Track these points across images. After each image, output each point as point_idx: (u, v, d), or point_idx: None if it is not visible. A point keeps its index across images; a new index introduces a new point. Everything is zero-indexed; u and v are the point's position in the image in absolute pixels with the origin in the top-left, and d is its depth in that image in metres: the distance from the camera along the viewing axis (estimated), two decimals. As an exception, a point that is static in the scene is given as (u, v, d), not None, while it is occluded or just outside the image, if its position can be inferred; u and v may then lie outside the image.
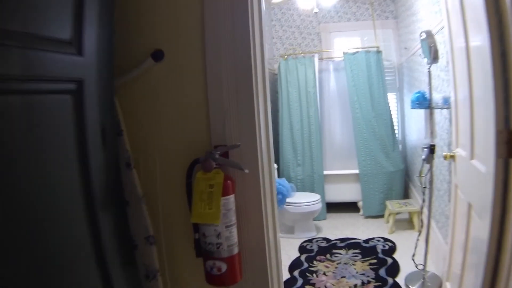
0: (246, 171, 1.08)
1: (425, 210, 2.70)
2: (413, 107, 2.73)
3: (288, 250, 3.43)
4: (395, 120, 4.56)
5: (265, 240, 1.19)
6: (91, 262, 0.98)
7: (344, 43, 4.76)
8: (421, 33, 2.48)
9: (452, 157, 2.01)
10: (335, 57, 4.68)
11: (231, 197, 1.12)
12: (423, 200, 2.63)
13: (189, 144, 1.25)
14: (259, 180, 1.16)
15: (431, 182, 2.58)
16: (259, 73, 1.18)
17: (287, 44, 4.96)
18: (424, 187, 2.62)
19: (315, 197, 3.86)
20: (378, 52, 4.29)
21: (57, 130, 0.88)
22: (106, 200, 1.04)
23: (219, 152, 1.12)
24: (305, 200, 3.76)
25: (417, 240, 2.66)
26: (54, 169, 0.87)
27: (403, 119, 4.62)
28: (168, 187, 1.29)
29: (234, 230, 1.13)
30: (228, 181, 1.10)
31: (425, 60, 2.53)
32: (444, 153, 2.09)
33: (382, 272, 2.86)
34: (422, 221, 2.88)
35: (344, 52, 4.39)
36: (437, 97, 2.46)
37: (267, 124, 1.24)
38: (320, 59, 4.63)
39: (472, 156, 1.63)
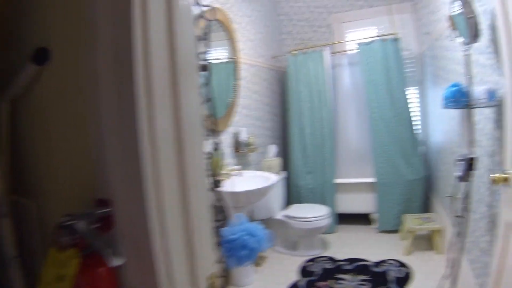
0: (115, 262, 0.66)
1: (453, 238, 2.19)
2: (447, 106, 2.07)
3: (287, 271, 3.01)
4: (416, 119, 4.00)
5: None
6: None
7: (358, 34, 4.22)
8: (453, 2, 1.93)
9: (506, 180, 1.42)
10: (349, 50, 4.16)
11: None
12: (457, 233, 2.10)
13: (81, 187, 0.85)
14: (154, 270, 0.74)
15: (467, 209, 2.04)
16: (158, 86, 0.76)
17: (298, 39, 4.49)
18: (458, 216, 2.08)
19: (324, 210, 3.42)
20: (396, 40, 3.74)
21: None
22: None
23: (96, 213, 0.71)
24: (311, 215, 3.32)
25: (443, 279, 2.17)
26: None
27: (425, 118, 4.03)
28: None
29: None
30: (98, 271, 0.68)
31: (459, 41, 1.97)
32: (493, 175, 1.47)
33: (392, 309, 2.40)
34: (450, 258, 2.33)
35: (358, 43, 3.87)
36: (478, 90, 1.87)
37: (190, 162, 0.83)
38: (333, 53, 4.13)
39: None
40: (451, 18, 2.01)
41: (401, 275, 2.81)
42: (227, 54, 2.86)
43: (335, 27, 4.36)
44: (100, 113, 0.87)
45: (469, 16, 1.81)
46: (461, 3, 1.82)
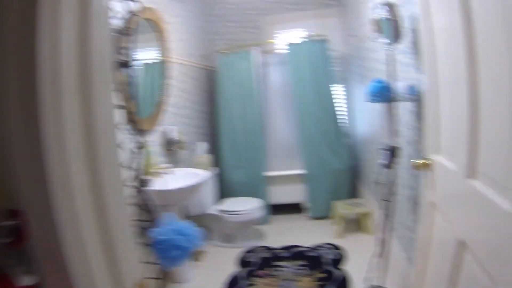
0: (26, 282, 0.60)
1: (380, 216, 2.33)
2: (370, 100, 2.17)
3: (227, 264, 2.98)
4: (343, 113, 4.23)
5: None
6: None
7: (288, 35, 4.33)
8: (377, 6, 2.06)
9: (426, 165, 1.53)
10: (279, 50, 4.25)
11: None
12: (385, 215, 2.23)
13: None
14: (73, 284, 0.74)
15: (393, 193, 2.18)
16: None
17: (229, 40, 4.47)
18: (385, 200, 2.22)
19: (256, 203, 3.46)
20: (324, 41, 3.92)
21: None
22: None
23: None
24: (244, 208, 3.34)
25: (373, 253, 2.30)
26: None
27: (352, 112, 4.27)
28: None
29: None
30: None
31: (382, 42, 2.11)
32: (414, 161, 1.58)
33: (331, 289, 2.49)
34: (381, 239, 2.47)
35: (288, 44, 3.98)
36: (400, 86, 2.01)
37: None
38: (264, 53, 4.19)
39: (472, 175, 1.10)
40: (376, 22, 2.14)
41: (336, 256, 2.93)
42: (157, 53, 2.77)
43: (266, 28, 4.42)
44: (4, 115, 0.80)
45: (392, 19, 1.95)
46: (386, 8, 1.96)
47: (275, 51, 4.28)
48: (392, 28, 1.97)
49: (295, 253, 3.06)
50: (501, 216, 0.90)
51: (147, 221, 2.18)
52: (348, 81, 4.24)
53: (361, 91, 3.18)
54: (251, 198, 3.65)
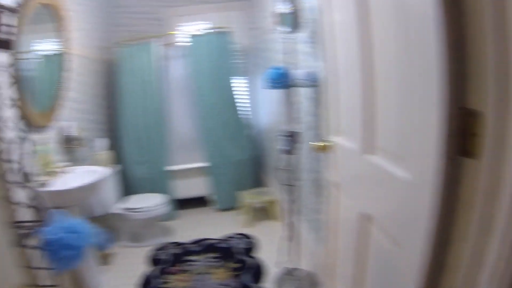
0: None
1: (287, 204, 2.42)
2: (270, 87, 2.21)
3: (138, 264, 2.82)
4: (247, 104, 4.29)
5: None
6: None
7: (192, 27, 4.19)
8: (279, 0, 2.12)
9: (327, 147, 1.60)
10: (182, 42, 4.10)
11: None
12: (291, 200, 2.31)
13: None
14: None
15: (296, 178, 2.26)
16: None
17: (132, 32, 4.14)
18: (289, 185, 2.29)
19: (160, 199, 3.34)
20: (227, 33, 3.91)
21: None
22: None
23: None
24: (148, 204, 3.21)
25: (283, 240, 2.38)
26: None
27: (255, 104, 4.35)
28: None
29: None
30: None
31: (284, 32, 2.18)
32: (312, 143, 1.62)
33: (247, 278, 2.51)
34: (287, 217, 2.57)
35: (191, 35, 3.89)
36: (300, 73, 2.09)
37: None
38: (166, 45, 4.03)
39: (371, 150, 1.18)
40: (278, 14, 2.21)
41: (248, 245, 2.98)
42: (57, 44, 2.48)
43: (169, 20, 4.23)
44: None
45: (294, 11, 2.04)
46: (288, 0, 2.04)
47: (177, 43, 4.14)
48: (293, 19, 2.05)
49: (206, 246, 3.03)
50: (398, 184, 1.02)
51: (35, 221, 1.94)
52: (251, 73, 4.31)
53: (263, 82, 3.26)
54: (155, 194, 3.52)
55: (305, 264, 2.40)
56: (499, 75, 0.69)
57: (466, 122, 0.76)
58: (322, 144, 1.62)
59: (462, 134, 0.77)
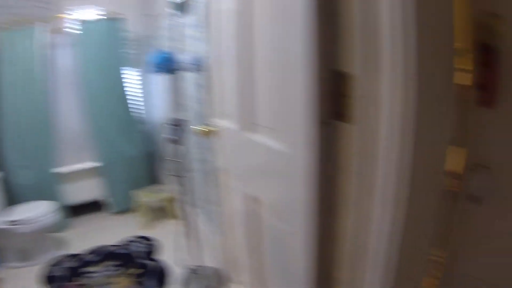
0: None
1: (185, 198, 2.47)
2: (154, 71, 2.16)
3: (29, 286, 2.63)
4: (140, 97, 4.13)
5: None
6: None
7: (82, 13, 3.79)
8: None
9: (209, 133, 1.58)
10: (70, 29, 3.72)
11: None
12: (184, 193, 2.32)
13: None
14: None
15: (186, 169, 2.24)
16: None
17: (15, 14, 3.58)
18: (178, 176, 2.27)
19: (49, 207, 3.11)
20: (120, 20, 3.68)
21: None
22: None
23: None
24: (35, 215, 2.96)
25: (183, 236, 2.43)
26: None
27: (149, 96, 4.19)
28: None
29: None
30: None
31: (175, 18, 2.16)
32: (196, 127, 1.60)
33: (150, 283, 2.54)
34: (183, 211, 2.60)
35: (79, 22, 3.57)
36: (186, 57, 2.06)
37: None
38: (53, 31, 3.61)
39: (251, 128, 1.20)
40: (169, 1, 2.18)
41: (148, 248, 2.99)
42: None
43: (58, 3, 3.76)
44: None
45: None
46: None
47: (65, 29, 3.74)
48: (182, 2, 2.05)
49: (104, 255, 2.96)
50: (277, 158, 1.03)
51: None
52: (144, 64, 4.12)
53: (158, 75, 3.18)
54: (43, 201, 3.23)
55: (209, 260, 2.50)
56: (367, 36, 0.70)
57: (338, 85, 0.77)
58: (206, 128, 1.61)
59: (334, 97, 0.77)
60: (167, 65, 2.12)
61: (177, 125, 2.12)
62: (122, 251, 2.98)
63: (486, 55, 0.65)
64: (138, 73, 4.18)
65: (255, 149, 1.21)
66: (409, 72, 0.65)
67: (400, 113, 0.67)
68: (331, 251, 0.91)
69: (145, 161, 3.93)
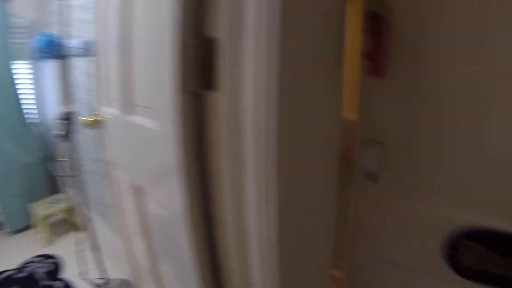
0: None
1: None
2: (38, 57, 1.98)
3: None
4: (32, 95, 3.64)
5: None
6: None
7: None
8: None
9: (96, 123, 1.45)
10: None
11: None
12: (79, 197, 2.10)
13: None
14: None
15: (77, 167, 2.03)
16: None
17: None
18: (70, 176, 2.06)
19: None
20: (7, 3, 3.06)
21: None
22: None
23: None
24: None
25: (86, 247, 2.22)
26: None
27: (43, 94, 3.67)
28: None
29: None
30: None
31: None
32: (84, 118, 1.45)
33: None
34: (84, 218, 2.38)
35: None
36: (74, 42, 1.84)
37: None
38: None
39: (130, 110, 1.13)
40: None
41: (51, 268, 2.73)
42: None
43: None
44: None
45: None
46: None
47: None
48: None
49: (1, 282, 2.61)
50: (152, 139, 0.98)
51: None
52: (32, 52, 3.56)
53: (53, 68, 2.82)
54: None
55: (115, 271, 2.32)
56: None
57: (204, 53, 0.71)
58: (92, 118, 1.48)
59: (203, 66, 0.72)
60: (52, 49, 1.90)
61: (66, 119, 1.88)
62: (22, 274, 2.66)
63: (375, 24, 0.63)
64: (29, 67, 3.63)
65: (135, 132, 1.13)
66: (273, 34, 0.58)
67: (264, 77, 0.61)
68: (215, 238, 0.85)
69: (43, 168, 3.51)
